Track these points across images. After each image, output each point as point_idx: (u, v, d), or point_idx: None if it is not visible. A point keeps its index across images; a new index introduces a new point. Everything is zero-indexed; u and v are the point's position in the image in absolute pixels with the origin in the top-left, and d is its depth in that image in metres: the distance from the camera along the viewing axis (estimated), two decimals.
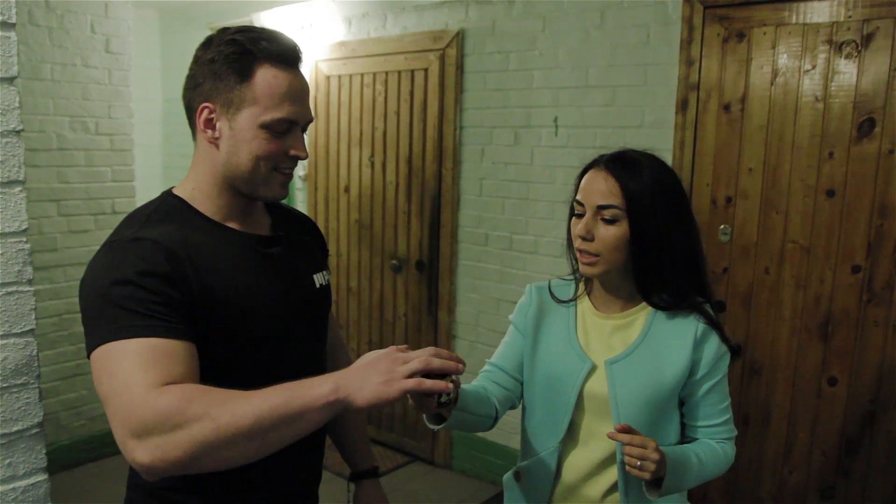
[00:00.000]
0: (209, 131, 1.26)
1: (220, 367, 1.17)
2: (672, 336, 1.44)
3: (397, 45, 3.81)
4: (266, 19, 4.52)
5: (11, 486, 1.11)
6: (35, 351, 1.12)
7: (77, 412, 3.82)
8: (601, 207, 1.40)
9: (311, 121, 1.31)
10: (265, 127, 1.21)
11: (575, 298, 1.56)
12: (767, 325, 2.76)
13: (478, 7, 3.50)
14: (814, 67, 2.57)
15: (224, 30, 1.27)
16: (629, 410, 1.42)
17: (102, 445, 3.89)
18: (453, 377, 1.15)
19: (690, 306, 1.45)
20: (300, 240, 1.44)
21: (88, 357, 1.08)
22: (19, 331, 1.09)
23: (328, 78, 4.17)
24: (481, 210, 3.62)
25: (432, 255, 3.82)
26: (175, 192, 1.31)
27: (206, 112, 1.24)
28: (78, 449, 3.83)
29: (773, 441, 2.79)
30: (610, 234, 1.40)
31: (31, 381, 1.12)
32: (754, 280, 2.78)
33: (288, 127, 1.24)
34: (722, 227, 2.83)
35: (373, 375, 1.05)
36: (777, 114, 2.67)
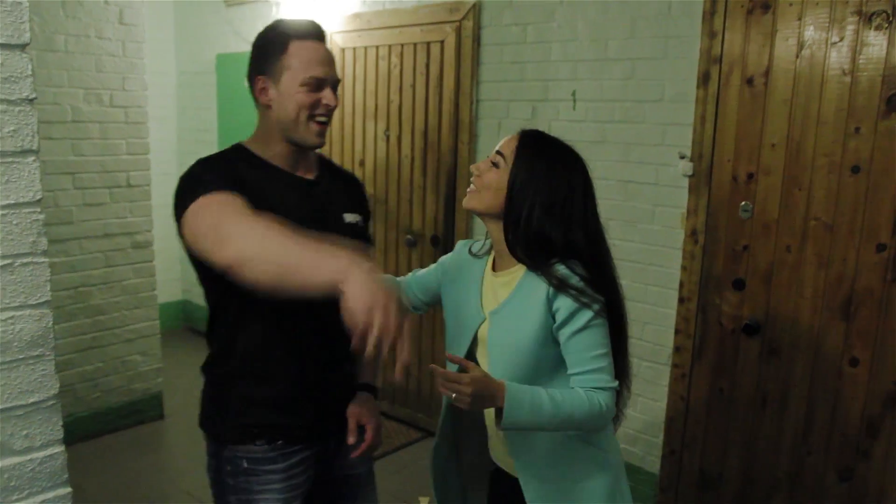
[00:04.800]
0: (263, 97, 1.65)
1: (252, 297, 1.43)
2: (533, 292, 1.59)
3: (413, 17, 3.76)
4: None
5: (28, 457, 1.11)
6: (50, 322, 1.11)
7: (93, 384, 3.84)
8: (497, 153, 1.65)
9: (338, 81, 1.69)
10: (304, 84, 1.61)
11: (482, 255, 1.78)
12: (788, 303, 2.72)
13: None
14: (841, 40, 2.50)
15: (267, 25, 1.70)
16: (501, 356, 1.62)
17: (118, 417, 3.93)
18: None
19: (539, 267, 1.59)
20: (336, 187, 1.81)
21: (181, 219, 1.49)
22: (34, 302, 1.08)
23: (343, 50, 4.12)
24: None
25: (447, 229, 3.79)
26: (243, 143, 1.72)
27: (260, 82, 1.65)
28: (94, 421, 3.86)
29: (791, 422, 2.76)
30: (489, 174, 1.64)
31: (47, 353, 1.11)
32: (775, 258, 2.74)
33: (319, 84, 1.63)
34: (743, 203, 2.78)
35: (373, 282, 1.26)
36: (802, 88, 2.61)
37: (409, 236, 3.96)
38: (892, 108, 2.42)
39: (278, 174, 1.67)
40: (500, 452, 1.78)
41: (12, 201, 1.05)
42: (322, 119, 1.65)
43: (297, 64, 1.61)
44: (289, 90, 1.62)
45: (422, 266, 3.95)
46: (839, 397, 2.65)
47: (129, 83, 3.81)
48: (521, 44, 3.39)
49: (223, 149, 1.72)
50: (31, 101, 1.05)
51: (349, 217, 1.79)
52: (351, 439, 1.74)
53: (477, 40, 3.53)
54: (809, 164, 2.62)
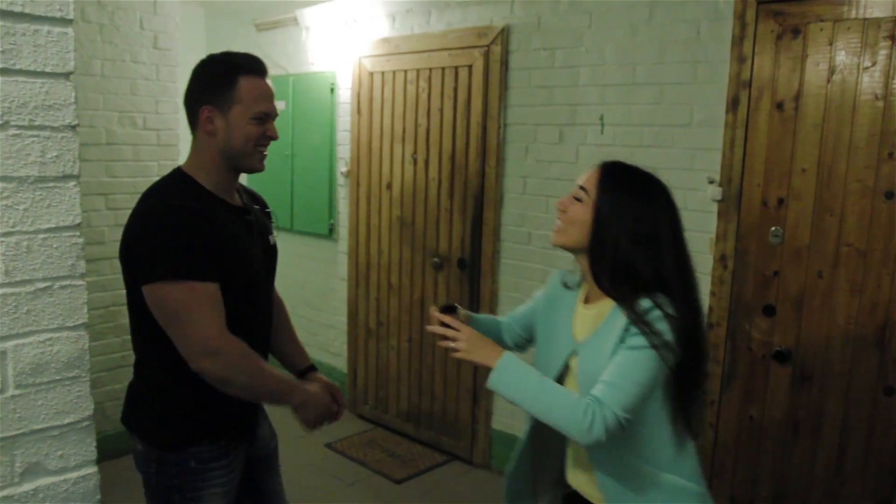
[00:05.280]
0: (209, 125, 1.76)
1: (232, 312, 1.72)
2: (616, 323, 1.59)
3: (441, 42, 3.79)
4: (309, 15, 4.54)
5: (63, 477, 1.12)
6: (86, 344, 1.13)
7: (122, 403, 3.87)
8: (580, 187, 1.66)
9: (277, 115, 1.86)
10: (254, 118, 1.76)
11: (575, 287, 1.79)
12: (820, 330, 2.68)
13: (523, 3, 3.46)
14: (874, 64, 2.48)
15: (210, 56, 1.83)
16: (587, 387, 1.58)
17: None
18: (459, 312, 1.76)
19: (624, 301, 1.59)
20: (256, 209, 1.97)
21: (146, 283, 1.67)
22: (72, 324, 1.10)
23: (371, 74, 4.17)
24: (524, 209, 3.58)
25: (474, 253, 3.79)
26: (186, 171, 1.82)
27: (206, 112, 1.76)
28: (122, 439, 3.86)
29: (824, 451, 2.71)
30: (573, 209, 1.65)
31: (83, 374, 1.13)
32: (806, 284, 2.70)
33: (266, 117, 1.79)
34: (773, 228, 2.75)
35: (315, 411, 1.89)
36: (833, 112, 2.59)
37: (435, 259, 3.97)
38: None
39: (225, 206, 1.82)
40: (581, 479, 1.77)
41: (53, 225, 1.07)
42: (265, 149, 1.83)
43: (247, 98, 1.75)
44: (238, 123, 1.75)
45: (447, 289, 3.97)
46: (874, 426, 2.59)
47: (162, 106, 3.88)
48: (549, 68, 3.40)
49: (170, 179, 1.82)
50: (74, 127, 1.07)
51: (272, 238, 2.01)
52: (335, 408, 2.01)
53: (505, 65, 3.55)
54: (841, 190, 2.59)
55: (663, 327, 1.53)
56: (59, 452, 1.11)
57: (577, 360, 1.66)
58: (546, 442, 1.82)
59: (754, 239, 2.82)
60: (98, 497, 1.16)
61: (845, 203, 2.59)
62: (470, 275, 3.82)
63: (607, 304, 1.64)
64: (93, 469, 1.15)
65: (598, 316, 1.66)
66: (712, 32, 2.87)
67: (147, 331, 1.75)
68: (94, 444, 1.15)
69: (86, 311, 1.12)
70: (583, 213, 1.63)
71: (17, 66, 1.01)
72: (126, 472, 3.74)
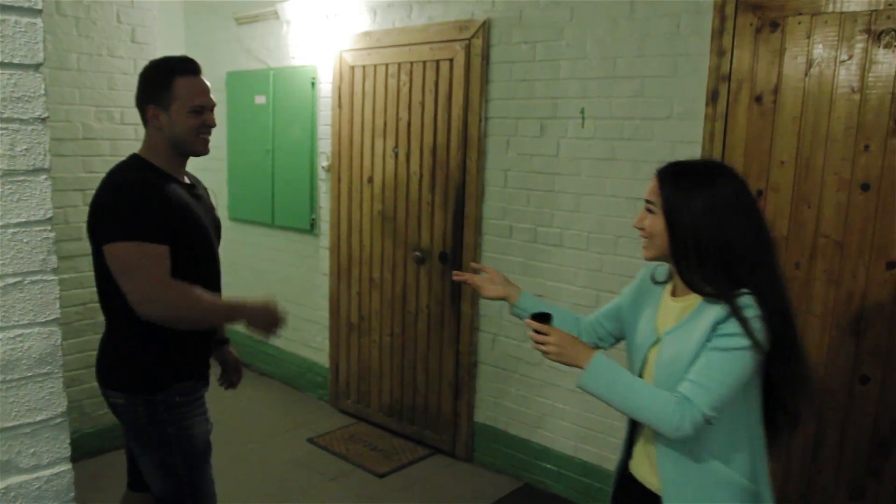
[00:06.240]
0: (155, 122, 2.11)
1: (188, 264, 2.06)
2: (706, 314, 1.61)
3: (422, 35, 3.78)
4: (290, 9, 4.51)
5: (35, 475, 1.10)
6: (59, 340, 1.11)
7: (100, 400, 3.78)
8: (646, 201, 1.72)
9: (214, 105, 2.21)
10: (191, 111, 2.10)
11: (664, 282, 1.83)
12: (797, 320, 2.70)
13: None
14: (850, 58, 2.50)
15: (151, 61, 2.19)
16: (661, 376, 1.65)
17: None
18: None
19: (722, 297, 1.60)
20: (201, 187, 2.34)
21: (108, 241, 1.97)
22: (43, 320, 1.08)
23: (352, 68, 4.15)
24: (506, 202, 3.58)
25: (456, 246, 3.79)
26: (141, 156, 2.15)
27: (151, 110, 2.11)
28: (101, 437, 3.86)
29: (800, 439, 2.73)
30: (649, 222, 1.70)
31: (55, 371, 1.11)
32: (784, 275, 2.72)
33: (202, 109, 2.13)
34: None
35: (264, 320, 2.16)
36: (811, 105, 2.61)
37: (417, 253, 3.96)
38: None
39: (176, 183, 2.13)
40: (643, 468, 1.81)
41: (23, 219, 1.05)
42: (206, 135, 2.17)
43: (182, 95, 2.09)
44: (178, 117, 2.09)
45: (429, 282, 3.97)
46: (849, 415, 2.62)
47: None
48: (530, 62, 3.40)
49: (130, 161, 2.15)
50: (44, 120, 1.06)
51: (215, 213, 2.35)
52: (235, 378, 2.57)
53: (486, 58, 3.55)
54: (819, 182, 2.61)
55: (757, 326, 1.56)
56: (32, 450, 1.10)
57: (657, 350, 1.70)
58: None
59: None
60: (72, 495, 1.15)
61: (823, 195, 2.61)
62: (452, 268, 3.81)
63: (695, 298, 1.67)
64: (66, 466, 1.14)
65: (685, 309, 1.69)
66: (692, 26, 2.88)
67: (118, 294, 2.00)
68: (68, 441, 1.14)
69: (58, 306, 1.10)
70: (658, 222, 1.67)
71: None
72: (105, 469, 3.72)
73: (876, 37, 2.44)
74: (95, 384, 3.73)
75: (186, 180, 2.24)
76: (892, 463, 2.54)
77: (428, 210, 3.90)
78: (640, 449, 1.82)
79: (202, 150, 2.17)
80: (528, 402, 3.63)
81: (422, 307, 4.00)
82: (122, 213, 1.99)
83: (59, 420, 1.12)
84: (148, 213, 1.98)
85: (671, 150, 2.98)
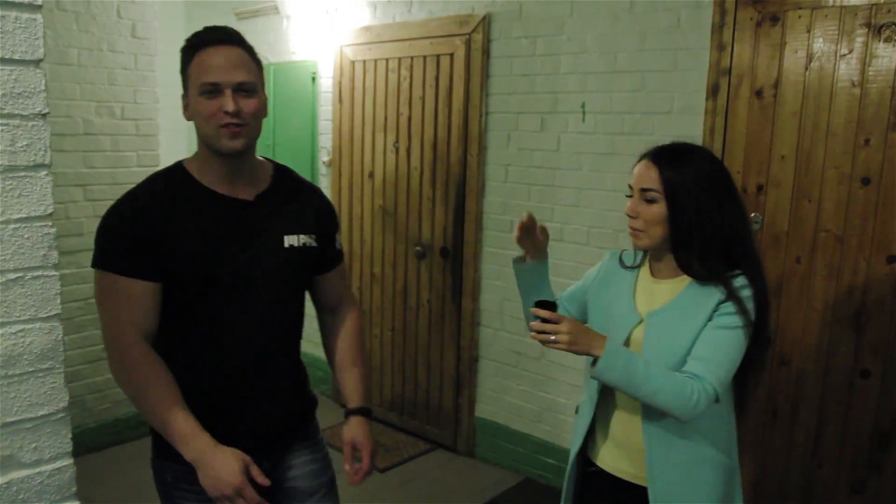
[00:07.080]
0: (186, 113, 1.62)
1: (188, 307, 1.61)
2: (699, 300, 1.65)
3: (423, 30, 3.78)
4: (290, 4, 4.50)
5: (37, 469, 1.11)
6: (60, 335, 1.11)
7: (102, 395, 3.85)
8: (644, 190, 1.67)
9: (241, 83, 1.56)
10: (201, 93, 1.55)
11: (637, 266, 1.83)
12: (798, 315, 2.71)
13: None
14: (851, 52, 2.50)
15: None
16: (654, 357, 1.63)
17: (127, 428, 3.93)
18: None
19: (719, 278, 1.64)
20: (283, 208, 1.72)
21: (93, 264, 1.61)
22: (45, 315, 1.08)
23: (353, 63, 4.15)
24: (507, 197, 3.58)
25: (456, 241, 3.79)
26: (184, 162, 1.69)
27: (184, 100, 1.62)
28: (103, 432, 3.87)
29: (801, 433, 2.74)
30: (650, 212, 1.66)
31: (57, 366, 1.11)
32: (785, 270, 2.72)
33: (214, 89, 1.54)
34: (752, 215, 2.77)
35: (209, 481, 1.50)
36: (811, 100, 2.60)
37: (418, 248, 3.97)
38: None
39: (208, 198, 1.63)
40: (611, 456, 1.80)
41: (24, 215, 1.05)
42: (230, 126, 1.56)
43: (193, 74, 1.56)
44: (193, 102, 1.58)
45: (430, 277, 3.97)
46: (850, 409, 2.63)
47: (141, 96, 3.84)
48: (530, 56, 3.40)
49: (168, 167, 1.70)
50: (44, 115, 1.06)
51: (292, 239, 1.72)
52: (346, 466, 1.80)
53: (486, 53, 3.54)
54: (819, 176, 2.61)
55: (751, 306, 1.62)
56: (34, 445, 1.10)
57: (643, 330, 1.70)
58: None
59: None
60: (74, 489, 1.15)
61: (823, 189, 2.61)
62: (453, 263, 3.82)
63: (682, 279, 1.70)
64: (68, 461, 1.14)
65: (671, 290, 1.71)
66: (692, 20, 2.88)
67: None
68: (70, 436, 1.14)
69: (59, 301, 1.10)
70: (659, 210, 1.65)
71: None
72: (108, 465, 3.74)
73: (876, 31, 2.43)
74: (97, 379, 3.79)
75: (245, 193, 1.67)
76: (893, 457, 2.55)
77: (429, 205, 3.90)
78: (604, 437, 1.81)
79: (226, 146, 1.57)
80: (530, 396, 3.64)
81: (423, 302, 4.00)
82: (100, 236, 1.61)
83: (60, 415, 1.12)
84: (128, 237, 1.56)
85: None
